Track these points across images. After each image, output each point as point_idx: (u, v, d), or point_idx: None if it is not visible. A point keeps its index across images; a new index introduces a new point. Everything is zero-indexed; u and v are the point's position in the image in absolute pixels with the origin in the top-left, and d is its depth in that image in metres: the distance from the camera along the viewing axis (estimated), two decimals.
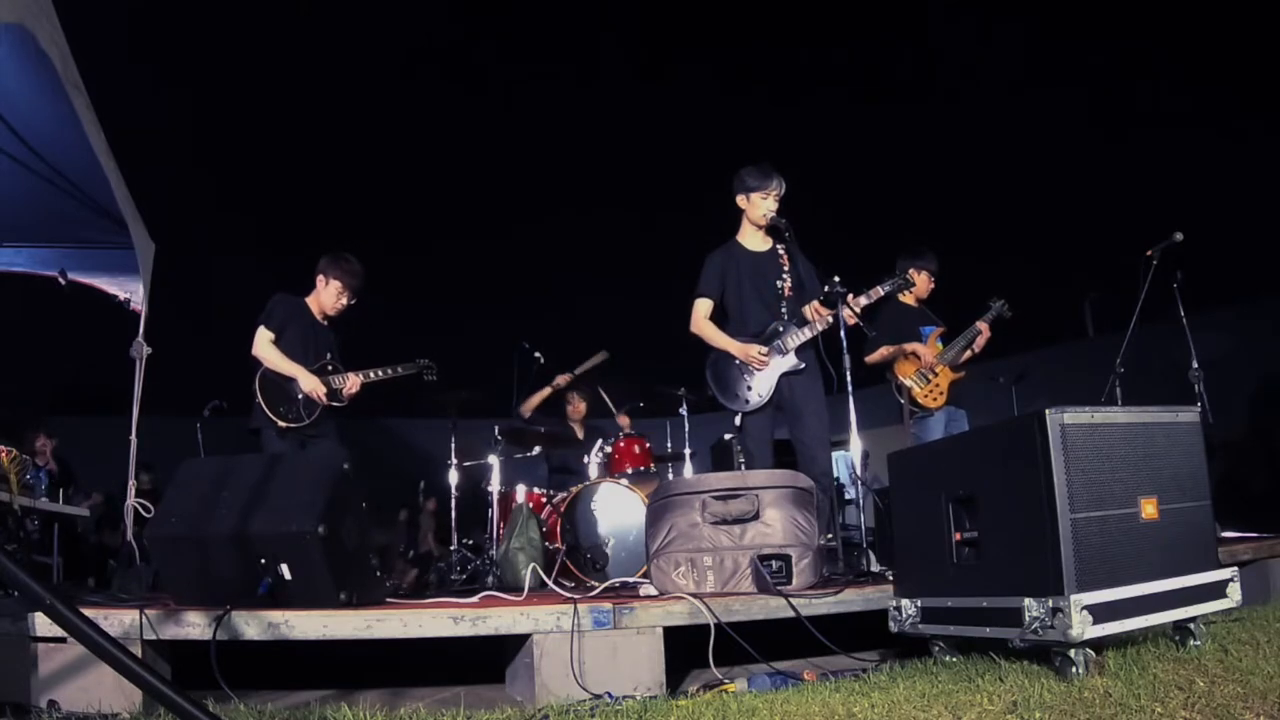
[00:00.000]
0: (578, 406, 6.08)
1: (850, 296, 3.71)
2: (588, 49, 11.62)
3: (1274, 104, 8.03)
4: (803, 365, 3.83)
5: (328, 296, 4.21)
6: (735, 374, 3.89)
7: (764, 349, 3.82)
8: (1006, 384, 6.17)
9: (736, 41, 11.63)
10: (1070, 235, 9.67)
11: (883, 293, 3.86)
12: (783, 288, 3.91)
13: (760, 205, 3.91)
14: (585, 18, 11.32)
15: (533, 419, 5.67)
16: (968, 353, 4.68)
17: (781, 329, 3.86)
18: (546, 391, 5.77)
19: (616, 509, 4.49)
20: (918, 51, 10.81)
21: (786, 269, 3.94)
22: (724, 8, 11.25)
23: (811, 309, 3.85)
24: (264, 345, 4.01)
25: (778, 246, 4.00)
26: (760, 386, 3.84)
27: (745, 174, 3.96)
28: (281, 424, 3.92)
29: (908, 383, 4.57)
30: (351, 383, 4.14)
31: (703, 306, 3.96)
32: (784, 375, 3.84)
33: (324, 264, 4.22)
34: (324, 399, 4.01)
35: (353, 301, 4.27)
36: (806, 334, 3.82)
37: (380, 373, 4.27)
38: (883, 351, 4.66)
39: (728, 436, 5.29)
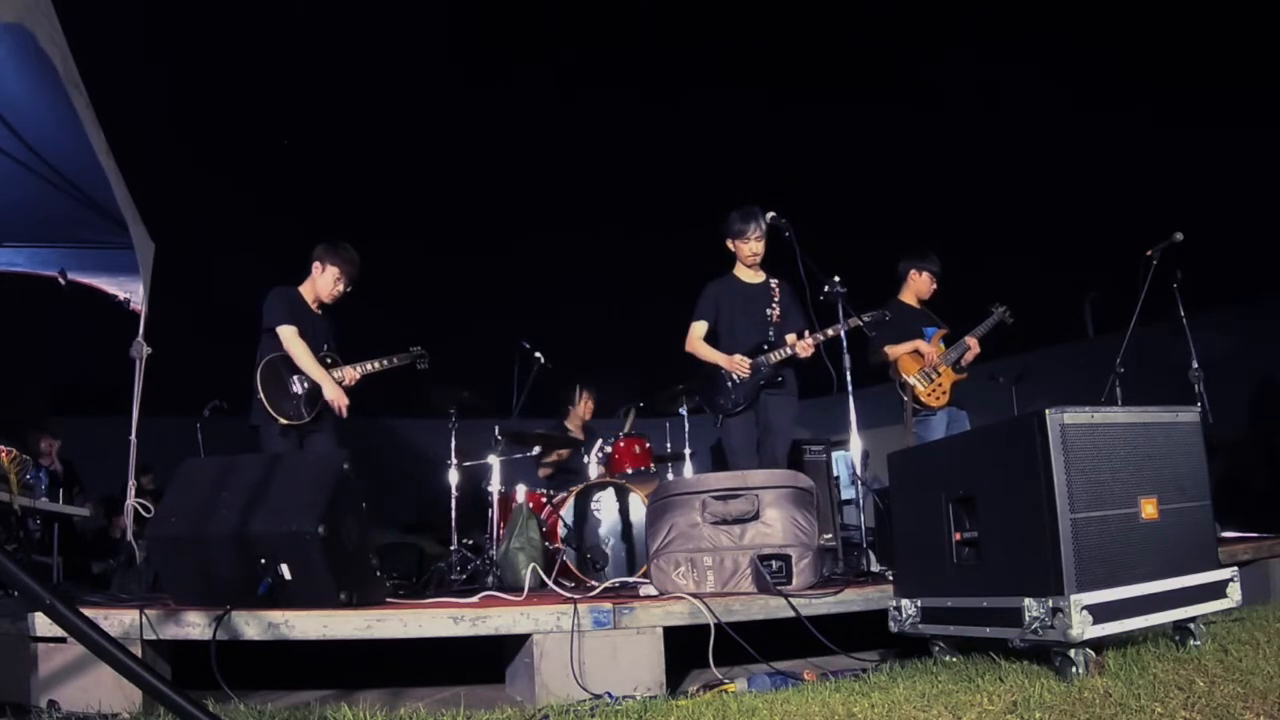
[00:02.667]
0: (587, 405, 6.07)
1: (809, 333, 4.08)
2: (596, 59, 11.61)
3: (1274, 104, 8.02)
4: (780, 380, 4.17)
5: (324, 283, 4.16)
6: (720, 382, 4.23)
7: (746, 359, 4.15)
8: (1006, 384, 6.16)
9: (738, 46, 11.61)
10: (1070, 235, 9.66)
11: (859, 323, 4.00)
12: (771, 315, 4.27)
13: (744, 249, 4.29)
14: (590, 29, 11.32)
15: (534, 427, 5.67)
16: (960, 363, 4.69)
17: (767, 346, 4.18)
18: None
19: (616, 509, 4.49)
20: (918, 52, 10.80)
21: (777, 299, 4.30)
22: (724, 10, 11.24)
23: (792, 340, 4.16)
24: (294, 342, 3.96)
25: (770, 280, 4.36)
26: (740, 393, 4.17)
27: (731, 219, 4.31)
28: (282, 421, 3.90)
29: (911, 380, 4.57)
30: (349, 376, 4.09)
31: (697, 329, 4.35)
32: (764, 390, 4.16)
33: (321, 250, 4.18)
34: (344, 411, 4.01)
35: (349, 290, 4.22)
36: (786, 352, 4.12)
37: (376, 365, 4.21)
38: (885, 352, 4.66)
39: None
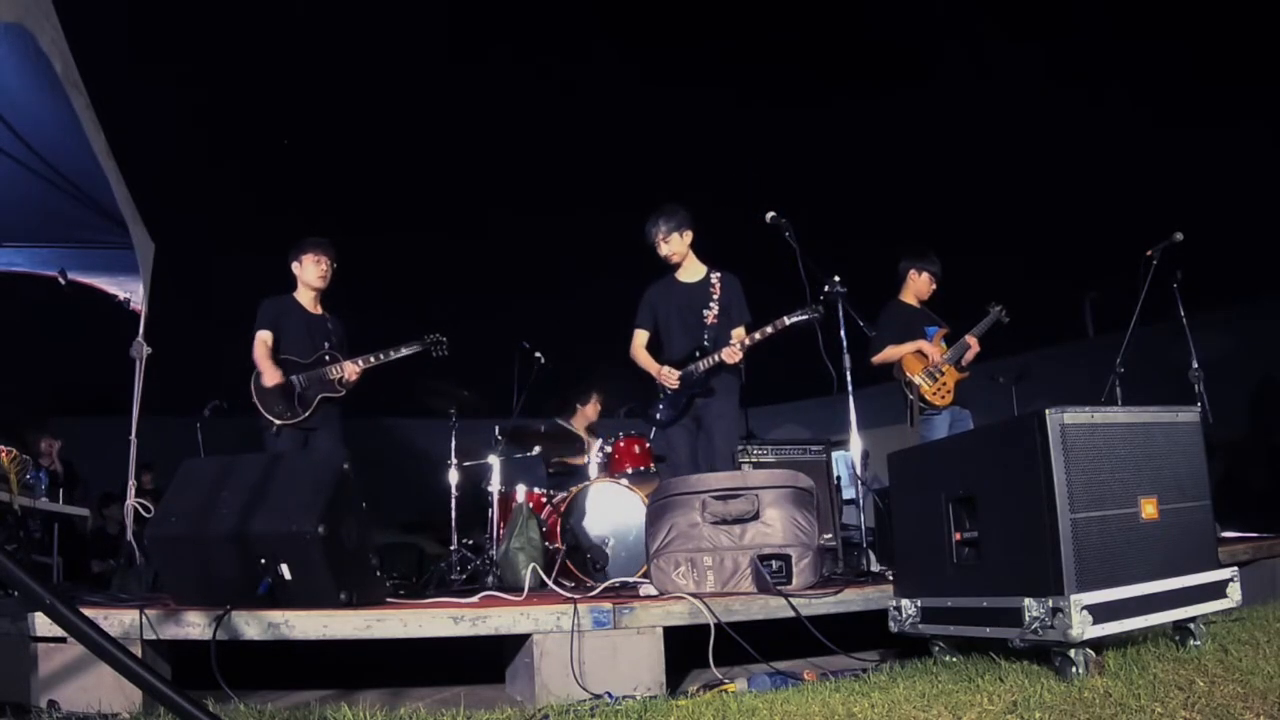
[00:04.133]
0: (597, 406, 6.07)
1: (745, 331, 3.96)
2: (598, 50, 11.60)
3: (1274, 104, 8.02)
4: (712, 389, 4.05)
5: (309, 272, 4.20)
6: (656, 393, 4.19)
7: (674, 371, 4.07)
8: (1006, 384, 6.16)
9: (739, 44, 11.61)
10: (1070, 235, 9.67)
11: (787, 324, 3.89)
12: (707, 316, 4.11)
13: (660, 251, 4.19)
14: (592, 20, 11.31)
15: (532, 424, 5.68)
16: (961, 362, 4.70)
17: (698, 354, 4.07)
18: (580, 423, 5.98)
19: (616, 509, 4.49)
20: (918, 50, 10.80)
21: (716, 297, 4.14)
22: (724, 7, 11.23)
23: (734, 339, 4.01)
24: (257, 347, 4.08)
25: (712, 275, 4.21)
26: (670, 405, 4.14)
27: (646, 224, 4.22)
28: (278, 422, 3.96)
29: (916, 380, 4.56)
30: (348, 370, 4.09)
31: (636, 337, 4.32)
32: (697, 397, 4.08)
33: (292, 252, 4.25)
34: (277, 380, 3.99)
35: (334, 266, 4.25)
36: (715, 359, 3.98)
37: (380, 356, 4.16)
38: (888, 351, 4.66)
39: None
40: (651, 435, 4.21)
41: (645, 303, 4.32)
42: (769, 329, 3.91)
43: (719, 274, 4.20)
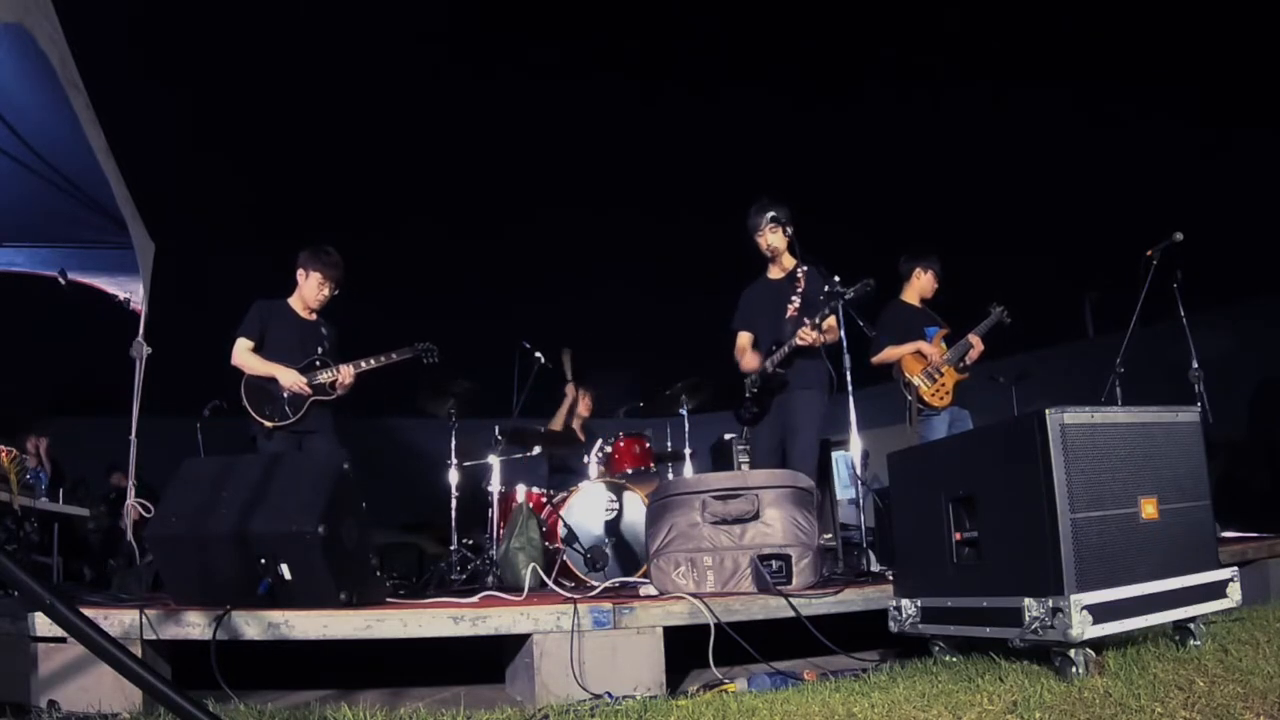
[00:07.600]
0: (586, 404, 6.08)
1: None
2: (600, 46, 11.56)
3: (1274, 104, 8.02)
4: (791, 384, 4.05)
5: (309, 289, 4.18)
6: (743, 392, 4.22)
7: (757, 355, 4.16)
8: (1006, 384, 6.16)
9: (743, 39, 11.59)
10: (1070, 235, 9.67)
11: (846, 297, 3.78)
12: (789, 309, 4.08)
13: (760, 243, 4.20)
14: (593, 15, 11.27)
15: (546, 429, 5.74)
16: (962, 362, 4.70)
17: (775, 347, 4.07)
18: (566, 404, 6.02)
19: (616, 509, 4.49)
20: (918, 48, 10.79)
21: (800, 290, 4.08)
22: (729, 4, 11.21)
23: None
24: (241, 353, 4.04)
25: (797, 270, 4.15)
26: (755, 402, 4.18)
27: (748, 214, 4.20)
28: (268, 425, 3.94)
29: (915, 380, 4.56)
30: (343, 374, 4.07)
31: (738, 340, 4.36)
32: (778, 393, 4.09)
33: (303, 258, 4.21)
34: (305, 388, 3.99)
35: (335, 292, 4.23)
36: (788, 348, 3.98)
37: (373, 361, 4.15)
38: (887, 352, 4.66)
39: (728, 436, 5.32)
40: (744, 434, 4.29)
41: (740, 305, 4.37)
42: (825, 313, 3.80)
43: (805, 267, 4.13)
